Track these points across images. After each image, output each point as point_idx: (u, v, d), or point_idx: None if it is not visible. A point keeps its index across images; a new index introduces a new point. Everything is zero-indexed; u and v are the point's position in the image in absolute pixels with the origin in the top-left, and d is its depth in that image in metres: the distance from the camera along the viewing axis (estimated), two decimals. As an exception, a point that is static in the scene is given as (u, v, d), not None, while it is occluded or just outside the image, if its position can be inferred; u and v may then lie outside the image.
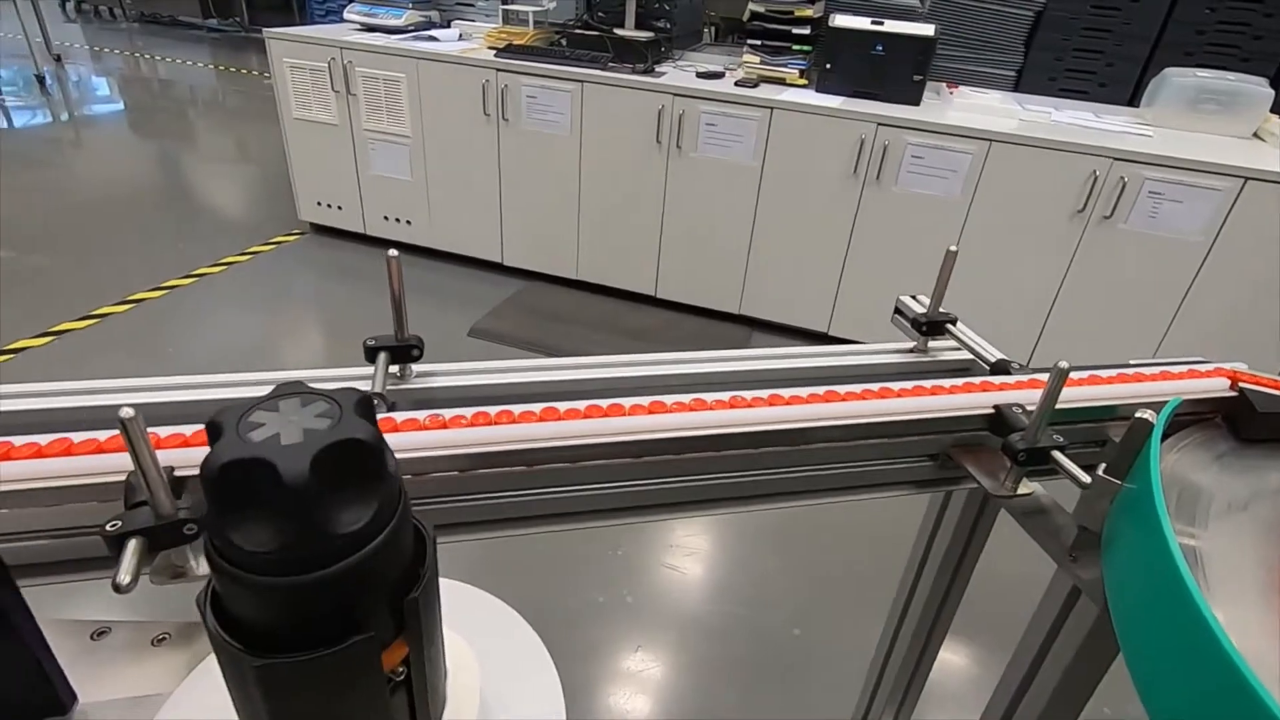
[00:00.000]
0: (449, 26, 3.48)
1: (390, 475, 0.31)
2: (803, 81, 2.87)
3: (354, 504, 0.30)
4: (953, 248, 0.83)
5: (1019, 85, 2.97)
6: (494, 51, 3.00)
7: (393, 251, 0.69)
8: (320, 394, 0.31)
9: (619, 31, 3.11)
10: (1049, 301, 2.59)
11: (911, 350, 0.90)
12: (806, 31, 2.85)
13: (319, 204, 3.54)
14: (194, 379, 0.69)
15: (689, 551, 2.00)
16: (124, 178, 4.37)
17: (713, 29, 3.72)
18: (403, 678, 0.36)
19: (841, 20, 2.69)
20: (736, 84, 2.80)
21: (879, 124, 2.56)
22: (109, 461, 0.53)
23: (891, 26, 2.66)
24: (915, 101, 2.69)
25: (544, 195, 3.13)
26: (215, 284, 3.16)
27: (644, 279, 3.16)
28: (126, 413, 0.45)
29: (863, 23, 2.68)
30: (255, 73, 7.49)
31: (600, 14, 3.31)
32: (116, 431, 0.56)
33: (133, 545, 0.47)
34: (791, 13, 2.85)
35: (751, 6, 2.91)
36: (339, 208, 3.51)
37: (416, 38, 3.22)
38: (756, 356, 0.88)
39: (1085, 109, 2.78)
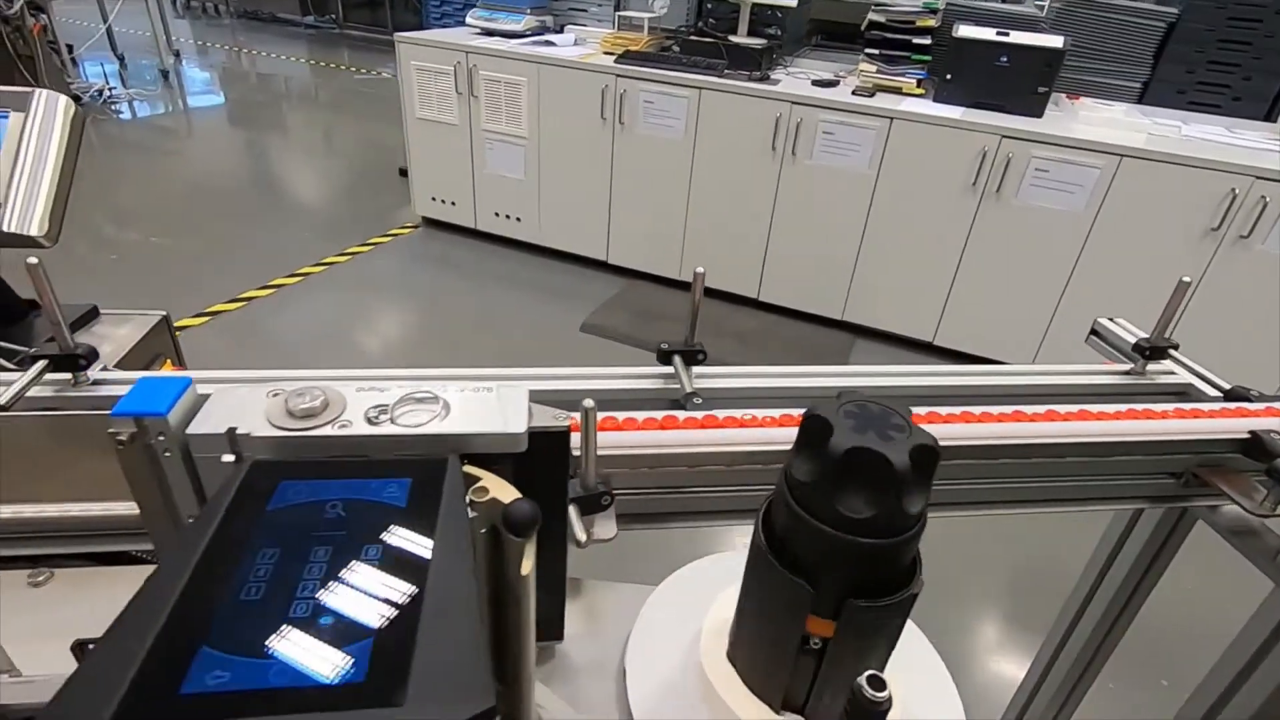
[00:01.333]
0: (562, 31, 3.60)
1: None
2: (919, 91, 2.88)
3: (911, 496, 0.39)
4: (1186, 278, 0.88)
5: (1143, 98, 2.92)
6: (612, 57, 3.10)
7: (700, 268, 0.79)
8: (890, 406, 0.40)
9: (733, 39, 3.18)
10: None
11: (1128, 372, 0.95)
12: (927, 41, 2.86)
13: (433, 199, 3.72)
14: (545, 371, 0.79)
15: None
16: (240, 168, 4.67)
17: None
18: (818, 648, 0.43)
19: (966, 31, 2.70)
20: (853, 93, 2.84)
21: (1003, 136, 2.56)
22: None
23: (1018, 38, 2.65)
24: (1038, 114, 2.68)
25: (653, 197, 3.23)
26: (343, 272, 3.37)
27: (748, 282, 3.23)
28: (589, 403, 0.55)
29: (988, 34, 2.68)
30: (348, 68, 7.82)
31: (712, 20, 3.39)
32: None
33: (573, 510, 0.57)
34: (913, 22, 2.87)
35: (871, 16, 2.93)
36: (452, 203, 3.68)
37: (534, 43, 3.35)
38: (971, 373, 0.95)
39: (1216, 124, 2.71)
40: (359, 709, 0.25)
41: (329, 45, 8.89)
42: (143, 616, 0.27)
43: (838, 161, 2.84)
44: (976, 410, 0.77)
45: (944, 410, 0.75)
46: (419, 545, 0.31)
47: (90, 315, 1.16)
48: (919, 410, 0.75)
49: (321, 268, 3.36)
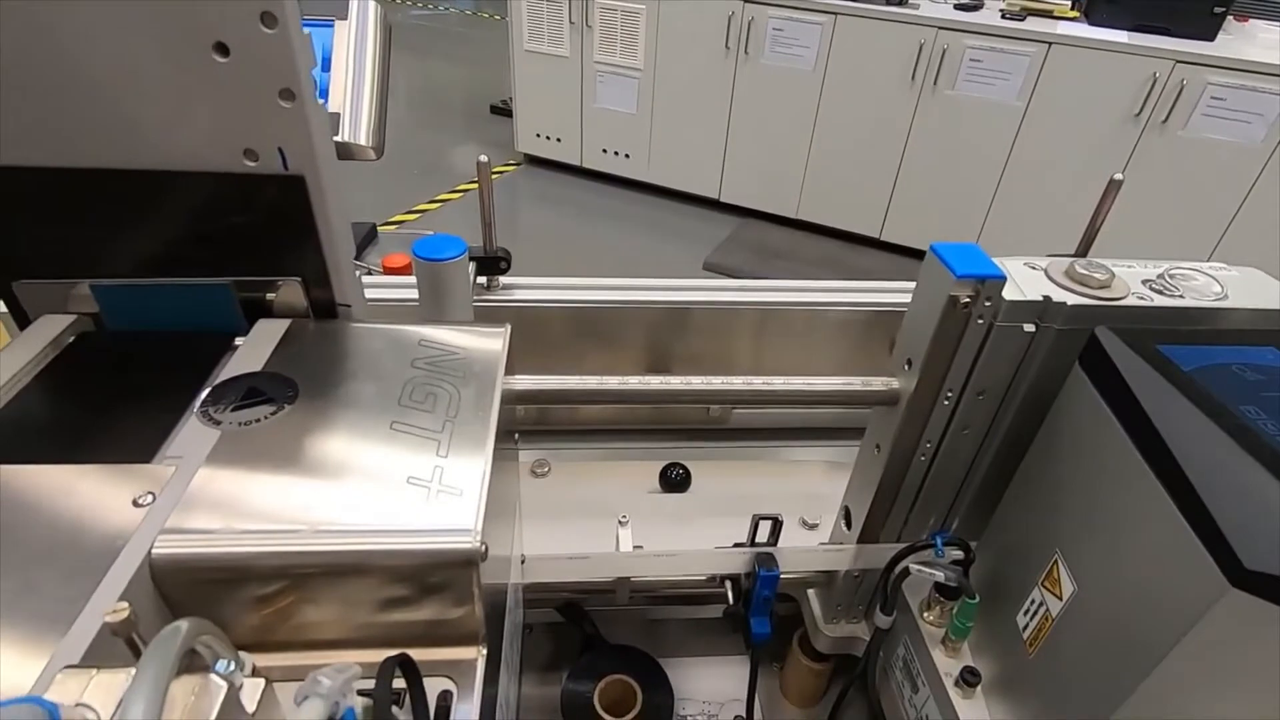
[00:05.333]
0: (673, -45, 3.43)
1: None
2: (1073, 13, 2.71)
3: None
4: None
5: (1321, 19, 2.70)
6: (738, -19, 2.96)
7: (1118, 175, 0.75)
8: None
9: (864, -40, 2.99)
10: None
11: None
12: (1088, -42, 2.67)
13: (538, 136, 3.66)
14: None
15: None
16: (334, 107, 4.63)
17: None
18: None
19: (1137, -54, 2.51)
20: (1002, 16, 2.68)
21: (1177, 61, 2.40)
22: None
23: (1196, -48, 2.45)
24: (1210, 36, 2.50)
25: (773, 132, 3.13)
26: (456, 210, 3.36)
27: (870, 220, 3.14)
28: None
29: (1162, -52, 2.48)
30: (403, 1, 7.63)
31: (838, -60, 3.19)
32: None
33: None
34: (1074, -62, 2.67)
35: (1025, -69, 2.73)
36: (558, 140, 3.61)
37: (649, -33, 3.20)
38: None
39: (1406, 47, 2.50)
40: None
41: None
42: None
43: (983, 91, 2.71)
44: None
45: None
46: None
47: (372, 234, 1.17)
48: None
49: (436, 204, 3.36)
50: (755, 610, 0.52)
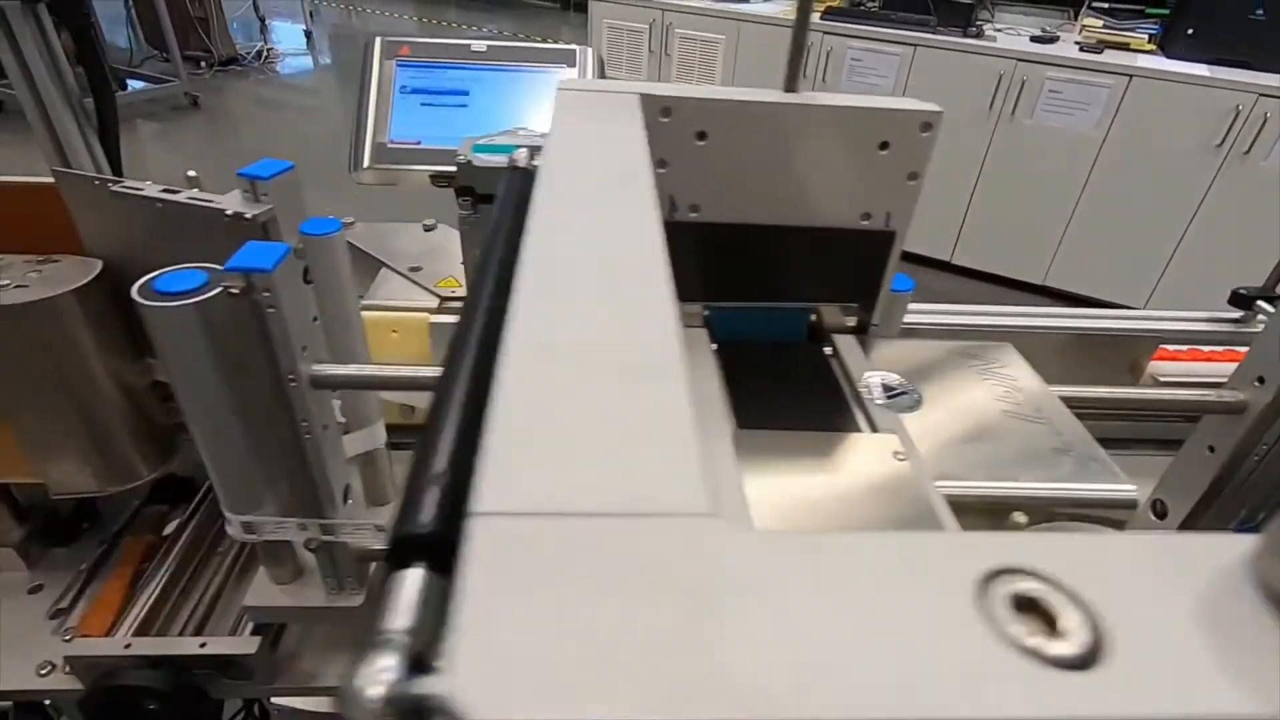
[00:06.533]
0: (746, -13, 3.57)
1: None
2: (1150, 47, 2.79)
3: None
4: None
5: (1399, 53, 2.75)
6: (818, 14, 3.08)
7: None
8: None
9: (939, -7, 3.10)
10: None
11: None
12: (1167, -6, 2.75)
13: (610, 158, 3.79)
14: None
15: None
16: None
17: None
18: None
19: (1218, -18, 2.58)
20: (1081, 49, 2.76)
21: (1260, 94, 2.46)
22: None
23: (1279, -11, 2.52)
24: (1292, 70, 2.56)
25: (848, 157, 3.22)
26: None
27: (942, 245, 3.21)
28: None
29: (1243, -15, 2.56)
30: (457, 25, 7.89)
31: (911, -26, 3.30)
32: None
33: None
34: (1153, -26, 2.76)
35: (1103, -32, 2.83)
36: (630, 162, 3.74)
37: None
38: None
39: None
40: None
41: (435, 4, 8.95)
42: None
43: (1061, 121, 2.79)
44: None
45: None
46: None
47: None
48: None
49: (516, 224, 3.49)
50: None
